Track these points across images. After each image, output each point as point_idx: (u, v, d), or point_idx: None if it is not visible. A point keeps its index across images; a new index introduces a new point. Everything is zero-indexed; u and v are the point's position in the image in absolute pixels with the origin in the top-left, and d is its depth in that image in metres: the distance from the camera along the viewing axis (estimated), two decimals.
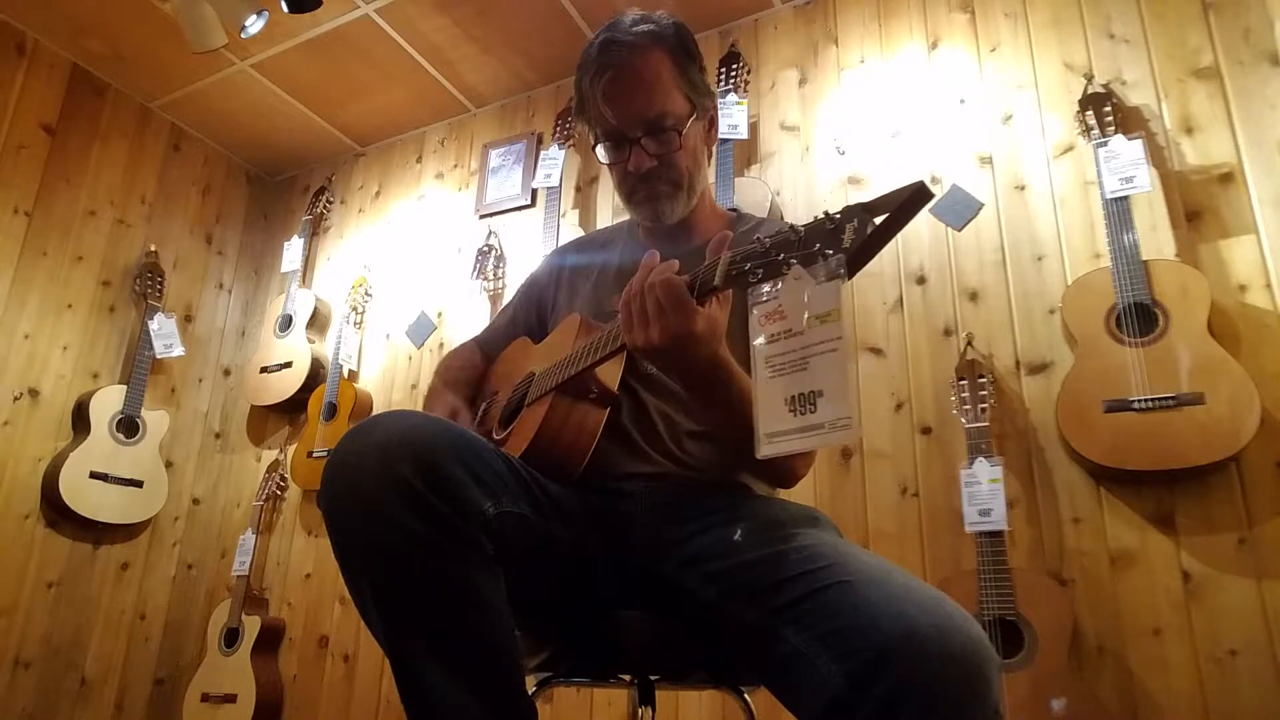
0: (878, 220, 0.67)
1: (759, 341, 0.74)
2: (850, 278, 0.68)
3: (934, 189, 2.23)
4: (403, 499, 0.78)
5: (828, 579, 0.76)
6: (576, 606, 0.99)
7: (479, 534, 0.82)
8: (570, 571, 0.98)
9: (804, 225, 0.72)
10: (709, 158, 1.20)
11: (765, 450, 0.71)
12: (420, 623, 0.80)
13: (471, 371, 1.34)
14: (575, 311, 1.19)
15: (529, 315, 1.33)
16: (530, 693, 0.94)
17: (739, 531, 0.91)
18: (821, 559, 0.79)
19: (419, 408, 1.14)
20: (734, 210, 1.31)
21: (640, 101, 1.07)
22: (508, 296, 2.79)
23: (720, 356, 0.88)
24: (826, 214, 0.70)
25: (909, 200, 0.66)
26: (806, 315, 0.70)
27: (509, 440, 1.09)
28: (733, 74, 2.50)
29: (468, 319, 2.87)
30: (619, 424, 1.07)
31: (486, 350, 1.37)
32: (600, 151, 1.14)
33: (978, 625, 0.70)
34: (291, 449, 3.07)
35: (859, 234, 0.67)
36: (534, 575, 0.92)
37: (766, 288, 0.74)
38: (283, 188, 3.75)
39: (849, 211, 0.69)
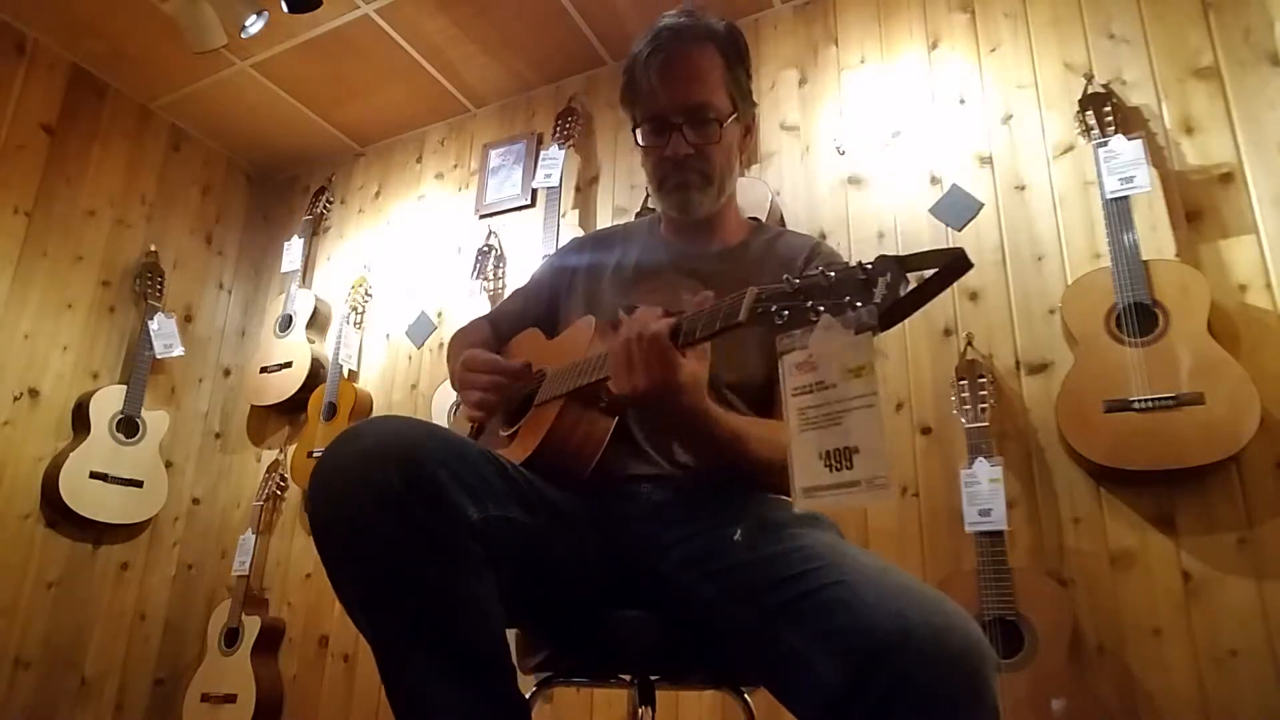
0: (912, 281, 0.66)
1: (791, 393, 0.73)
2: (881, 331, 0.68)
3: (935, 189, 2.23)
4: (383, 504, 0.77)
5: (826, 578, 0.76)
6: (576, 606, 0.99)
7: (464, 538, 0.81)
8: (569, 573, 0.97)
9: (834, 270, 0.70)
10: (742, 165, 1.21)
11: (802, 504, 0.72)
12: (405, 625, 0.79)
13: (487, 346, 1.33)
14: (588, 307, 1.19)
15: (539, 306, 1.33)
16: (530, 693, 0.94)
17: (738, 531, 0.91)
18: (820, 558, 0.80)
19: (419, 408, 1.15)
20: (755, 220, 1.31)
21: (688, 88, 1.11)
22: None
23: (700, 407, 0.90)
24: (860, 264, 0.69)
25: (946, 269, 0.64)
26: (839, 368, 0.70)
27: (515, 439, 1.09)
28: None
29: (468, 319, 2.86)
30: (622, 426, 1.07)
31: (497, 329, 1.37)
32: (639, 135, 1.16)
33: (976, 625, 0.70)
34: (291, 449, 3.07)
35: (891, 290, 0.66)
36: (531, 577, 0.92)
37: (797, 334, 0.73)
38: (283, 188, 3.74)
39: (882, 264, 0.67)
